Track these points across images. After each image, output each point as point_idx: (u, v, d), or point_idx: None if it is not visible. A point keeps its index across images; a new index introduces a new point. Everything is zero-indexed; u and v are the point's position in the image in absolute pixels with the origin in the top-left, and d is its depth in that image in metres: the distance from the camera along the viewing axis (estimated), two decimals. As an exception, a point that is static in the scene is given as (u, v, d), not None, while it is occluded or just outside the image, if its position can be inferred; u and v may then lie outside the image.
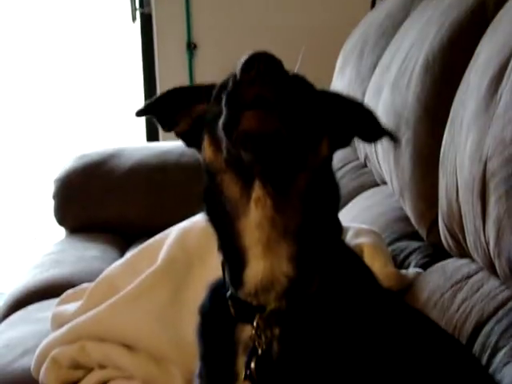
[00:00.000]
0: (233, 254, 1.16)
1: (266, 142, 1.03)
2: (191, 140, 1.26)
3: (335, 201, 1.22)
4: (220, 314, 1.21)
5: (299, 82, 1.13)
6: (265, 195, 1.09)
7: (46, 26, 4.90)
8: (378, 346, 1.15)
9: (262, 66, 1.02)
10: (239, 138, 1.04)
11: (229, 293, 1.19)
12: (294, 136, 1.05)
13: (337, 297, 1.16)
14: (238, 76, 1.03)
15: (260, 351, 1.14)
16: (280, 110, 1.03)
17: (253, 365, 1.15)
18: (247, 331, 1.16)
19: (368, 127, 1.24)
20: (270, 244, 1.12)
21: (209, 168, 1.16)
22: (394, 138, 1.25)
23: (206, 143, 1.16)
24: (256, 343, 1.15)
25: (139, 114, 1.33)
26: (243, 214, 1.12)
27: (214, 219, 1.20)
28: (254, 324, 1.15)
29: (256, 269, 1.13)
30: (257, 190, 1.09)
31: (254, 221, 1.11)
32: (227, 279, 1.19)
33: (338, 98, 1.26)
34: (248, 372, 1.15)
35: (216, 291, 1.25)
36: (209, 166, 1.15)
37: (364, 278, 1.24)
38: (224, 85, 1.09)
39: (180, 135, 1.29)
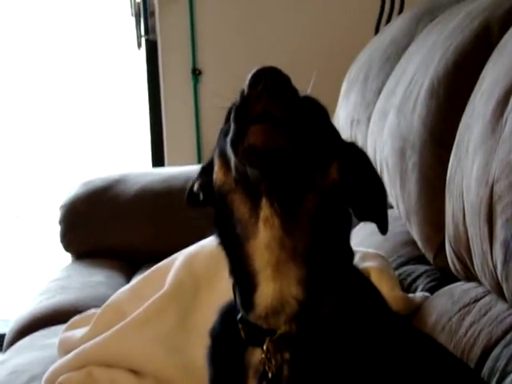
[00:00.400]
0: (243, 277, 1.16)
1: (271, 157, 1.03)
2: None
3: (347, 226, 1.21)
4: (231, 337, 1.20)
5: (309, 101, 1.13)
6: (272, 214, 1.09)
7: (52, 52, 4.92)
8: (388, 370, 1.14)
9: (269, 80, 1.02)
10: (245, 152, 1.03)
11: (239, 315, 1.18)
12: (301, 153, 1.05)
13: (347, 321, 1.16)
14: (245, 91, 1.04)
15: (270, 375, 1.13)
16: (287, 126, 1.02)
17: None
18: (257, 355, 1.16)
19: (372, 199, 1.23)
20: (279, 266, 1.11)
21: (220, 190, 1.15)
22: (385, 224, 1.23)
23: (216, 166, 1.15)
24: (266, 367, 1.14)
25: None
26: (252, 236, 1.11)
27: (224, 242, 1.20)
28: (264, 348, 1.14)
29: (266, 291, 1.13)
30: (265, 209, 1.09)
31: (262, 242, 1.11)
32: (238, 302, 1.19)
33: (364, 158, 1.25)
34: None
35: (227, 314, 1.24)
36: (219, 188, 1.15)
37: (374, 302, 1.23)
38: (234, 104, 1.10)
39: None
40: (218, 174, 1.15)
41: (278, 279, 1.12)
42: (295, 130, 1.03)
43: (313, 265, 1.13)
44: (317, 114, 1.14)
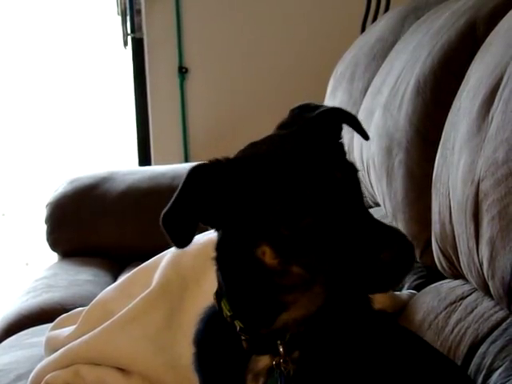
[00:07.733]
0: (257, 304, 1.15)
1: None
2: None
3: None
4: (219, 345, 1.20)
5: None
6: None
7: (39, 51, 4.91)
8: (376, 370, 1.15)
9: None
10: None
11: (238, 328, 1.17)
12: None
13: (339, 318, 1.17)
14: None
15: (292, 372, 1.15)
16: None
17: None
18: (263, 361, 1.16)
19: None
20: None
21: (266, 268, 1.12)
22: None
23: (268, 252, 1.09)
24: (282, 369, 1.14)
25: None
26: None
27: (235, 273, 1.17)
28: (281, 350, 1.15)
29: (292, 314, 1.14)
30: None
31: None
32: (233, 316, 1.17)
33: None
34: None
35: (210, 322, 1.23)
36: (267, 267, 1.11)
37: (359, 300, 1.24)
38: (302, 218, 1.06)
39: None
40: (268, 258, 1.09)
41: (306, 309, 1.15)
42: None
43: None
44: None
